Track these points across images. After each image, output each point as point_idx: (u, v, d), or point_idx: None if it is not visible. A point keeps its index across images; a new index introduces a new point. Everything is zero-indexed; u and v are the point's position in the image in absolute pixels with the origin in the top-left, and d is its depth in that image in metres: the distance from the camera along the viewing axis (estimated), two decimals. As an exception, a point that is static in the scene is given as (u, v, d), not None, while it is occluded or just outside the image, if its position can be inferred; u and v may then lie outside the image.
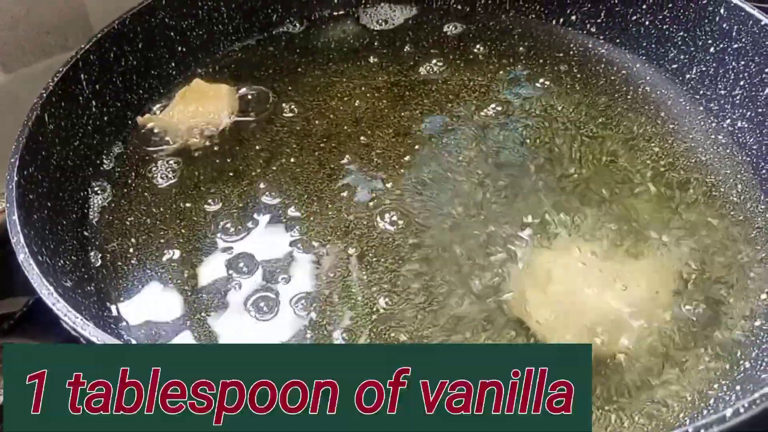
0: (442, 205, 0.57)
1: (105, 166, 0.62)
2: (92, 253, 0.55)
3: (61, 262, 0.51)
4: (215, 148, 0.63)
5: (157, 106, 0.67)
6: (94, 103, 0.61)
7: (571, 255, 0.52)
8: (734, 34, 0.61)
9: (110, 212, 0.58)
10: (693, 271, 0.52)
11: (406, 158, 0.61)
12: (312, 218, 0.57)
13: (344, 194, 0.59)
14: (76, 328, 0.39)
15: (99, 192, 0.59)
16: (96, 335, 0.39)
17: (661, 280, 0.51)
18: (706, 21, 0.63)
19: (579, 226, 0.55)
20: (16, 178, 0.49)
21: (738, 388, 0.45)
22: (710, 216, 0.56)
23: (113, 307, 0.52)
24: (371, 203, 0.58)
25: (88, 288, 0.52)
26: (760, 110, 0.59)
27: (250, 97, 0.68)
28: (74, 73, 0.59)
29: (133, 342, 0.49)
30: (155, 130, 0.64)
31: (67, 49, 0.65)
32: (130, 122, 0.65)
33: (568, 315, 0.49)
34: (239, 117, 0.66)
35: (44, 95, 0.55)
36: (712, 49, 0.63)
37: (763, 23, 0.58)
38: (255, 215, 0.57)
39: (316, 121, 0.65)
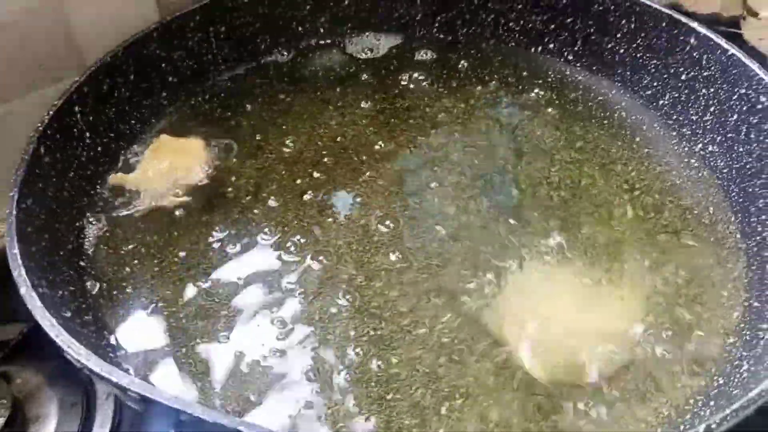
0: (429, 229, 0.59)
1: (99, 196, 0.63)
2: (89, 283, 0.56)
3: (60, 292, 0.52)
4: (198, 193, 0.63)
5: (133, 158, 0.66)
6: (88, 134, 0.62)
7: (550, 278, 0.55)
8: (704, 62, 0.64)
9: (105, 242, 0.59)
10: (668, 291, 0.55)
11: (393, 184, 0.63)
12: (302, 243, 0.58)
13: (332, 220, 0.60)
14: (80, 360, 0.40)
15: (94, 222, 0.60)
16: (99, 366, 0.40)
17: (637, 301, 0.54)
18: (678, 50, 0.66)
19: (557, 249, 0.57)
20: (15, 212, 0.50)
21: (712, 403, 0.47)
22: (684, 237, 0.59)
23: (111, 337, 0.53)
24: (360, 229, 0.60)
25: (86, 317, 0.53)
26: (729, 135, 0.62)
27: (217, 149, 0.67)
28: (69, 105, 0.60)
29: (131, 370, 0.50)
30: (129, 189, 0.63)
31: (58, 81, 0.66)
32: (122, 152, 0.66)
33: (546, 339, 0.51)
34: (213, 166, 0.65)
35: (40, 128, 0.56)
36: (683, 77, 0.66)
37: (730, 53, 0.61)
38: (246, 242, 0.59)
39: (305, 149, 0.67)
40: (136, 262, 0.58)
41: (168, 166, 0.64)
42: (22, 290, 0.45)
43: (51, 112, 0.58)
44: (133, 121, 0.68)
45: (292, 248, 0.58)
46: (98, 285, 0.56)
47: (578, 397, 0.48)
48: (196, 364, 0.51)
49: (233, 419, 0.37)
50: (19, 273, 0.46)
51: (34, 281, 0.47)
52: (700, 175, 0.64)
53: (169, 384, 0.50)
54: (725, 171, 0.62)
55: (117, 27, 0.67)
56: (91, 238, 0.59)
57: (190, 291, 0.56)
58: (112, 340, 0.52)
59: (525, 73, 0.74)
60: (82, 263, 0.57)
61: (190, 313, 0.54)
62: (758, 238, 0.57)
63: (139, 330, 0.53)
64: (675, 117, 0.67)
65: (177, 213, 0.61)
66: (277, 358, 0.51)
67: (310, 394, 0.49)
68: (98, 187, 0.63)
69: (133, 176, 0.63)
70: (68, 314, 0.50)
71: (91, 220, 0.61)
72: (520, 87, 0.73)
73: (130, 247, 0.59)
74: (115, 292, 0.56)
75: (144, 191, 0.63)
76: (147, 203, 0.62)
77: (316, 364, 0.51)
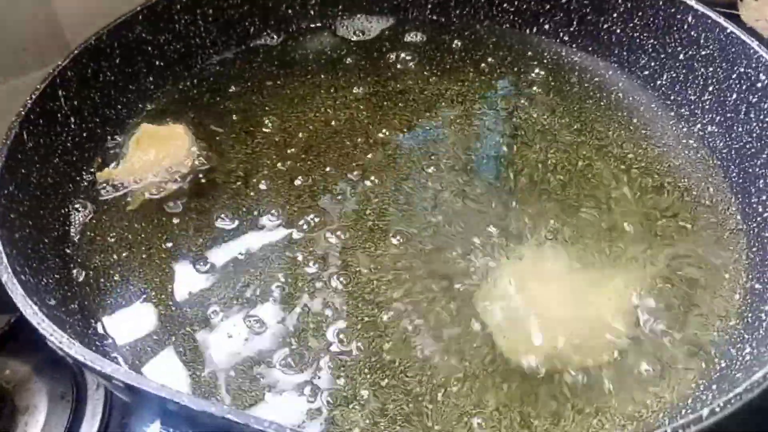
0: (423, 214, 0.58)
1: (85, 182, 0.61)
2: (75, 271, 0.55)
3: (44, 280, 0.50)
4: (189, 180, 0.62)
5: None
6: (72, 119, 0.61)
7: (547, 261, 0.54)
8: (702, 41, 0.63)
9: (92, 229, 0.58)
10: (668, 274, 0.54)
11: (386, 168, 0.62)
12: (294, 229, 0.57)
13: (323, 205, 0.59)
14: (62, 348, 0.39)
15: (80, 209, 0.59)
16: (83, 354, 0.39)
17: (637, 284, 0.53)
18: (675, 29, 0.65)
19: (556, 233, 0.56)
20: (-3, 197, 0.49)
21: (714, 387, 0.46)
22: (683, 220, 0.58)
23: (98, 325, 0.51)
24: (352, 213, 0.58)
25: (72, 306, 0.52)
26: (728, 115, 0.61)
27: (204, 134, 0.65)
28: (52, 89, 0.58)
29: (120, 359, 0.49)
30: (120, 183, 0.61)
31: (44, 65, 0.65)
32: (109, 138, 0.65)
33: (542, 326, 0.50)
34: (202, 153, 0.64)
35: (22, 113, 0.55)
36: (681, 56, 0.65)
37: (728, 30, 0.60)
38: (237, 228, 0.58)
39: (296, 133, 0.66)
40: (123, 249, 0.57)
41: (154, 156, 0.62)
42: (4, 278, 0.44)
43: (33, 96, 0.56)
44: (119, 106, 0.66)
45: (284, 234, 0.57)
46: (84, 273, 0.55)
47: (576, 382, 0.47)
48: (186, 353, 0.50)
49: (221, 408, 0.36)
50: (1, 260, 0.45)
51: (16, 268, 0.46)
52: (699, 155, 0.63)
53: (158, 372, 0.49)
54: (725, 151, 0.61)
55: (102, 9, 0.65)
56: (77, 225, 0.58)
57: (179, 278, 0.54)
58: (99, 329, 0.51)
59: (520, 55, 0.73)
60: (68, 250, 0.56)
61: (179, 301, 0.53)
62: (759, 219, 0.56)
63: (127, 318, 0.52)
64: (673, 97, 0.66)
65: (166, 200, 0.60)
66: (268, 346, 0.50)
67: (302, 382, 0.48)
68: (84, 172, 0.62)
69: (120, 169, 0.62)
70: (53, 302, 0.48)
71: (77, 206, 0.59)
72: (515, 69, 0.72)
73: (118, 234, 0.58)
74: (102, 280, 0.54)
75: (132, 183, 0.61)
76: (137, 195, 0.60)
77: (308, 352, 0.50)
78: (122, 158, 0.63)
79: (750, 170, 0.58)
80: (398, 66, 0.72)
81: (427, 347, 0.50)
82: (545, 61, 0.73)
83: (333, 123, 0.67)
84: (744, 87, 0.59)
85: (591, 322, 0.50)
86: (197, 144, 0.64)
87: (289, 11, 0.76)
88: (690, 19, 0.64)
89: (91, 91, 0.63)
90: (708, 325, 0.51)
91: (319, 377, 0.48)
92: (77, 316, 0.51)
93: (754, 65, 0.58)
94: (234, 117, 0.67)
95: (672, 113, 0.66)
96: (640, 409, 0.46)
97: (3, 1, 0.64)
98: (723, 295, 0.53)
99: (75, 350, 0.39)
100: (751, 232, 0.56)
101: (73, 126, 0.61)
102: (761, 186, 0.56)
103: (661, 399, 0.47)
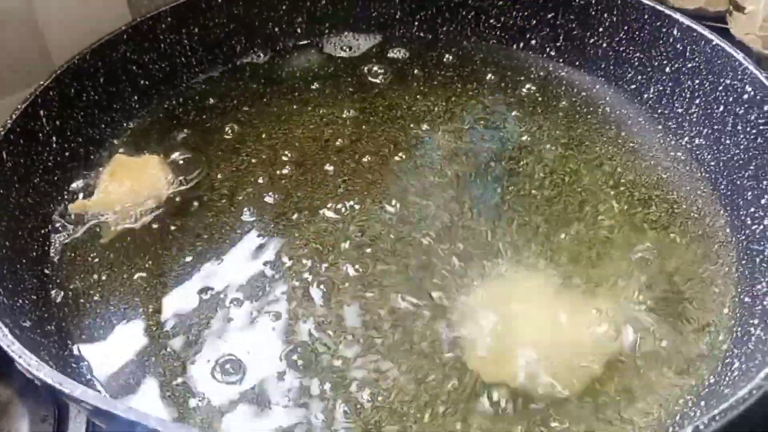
0: (410, 231, 0.57)
1: (66, 202, 0.61)
2: (53, 292, 0.54)
3: (20, 301, 0.50)
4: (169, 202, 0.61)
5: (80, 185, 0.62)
6: (54, 139, 0.61)
7: (537, 279, 0.53)
8: (688, 53, 0.63)
9: (72, 249, 0.57)
10: (656, 287, 0.53)
11: (373, 184, 0.61)
12: (280, 247, 0.57)
13: (311, 222, 0.58)
14: (30, 370, 0.38)
15: (60, 229, 0.58)
16: (50, 376, 0.38)
17: (624, 298, 0.52)
18: (661, 42, 0.65)
19: (544, 248, 0.55)
20: (-28, 218, 0.49)
21: (702, 403, 0.45)
22: (672, 233, 0.57)
23: (75, 347, 0.51)
24: (338, 230, 0.58)
25: (48, 327, 0.51)
26: (715, 127, 0.60)
27: (181, 162, 0.64)
28: (33, 109, 0.58)
29: (95, 382, 0.48)
30: (94, 215, 0.59)
31: (29, 85, 0.65)
32: (92, 157, 0.64)
33: (521, 348, 0.49)
34: (177, 186, 0.62)
35: (2, 133, 0.55)
36: (667, 69, 0.65)
37: (714, 43, 0.60)
38: (221, 247, 0.57)
39: (283, 150, 0.65)
40: (104, 269, 0.56)
41: (129, 188, 0.61)
42: (-25, 299, 0.43)
43: (14, 116, 0.56)
44: (102, 125, 0.66)
45: (268, 253, 0.56)
46: (63, 293, 0.54)
47: (562, 400, 0.46)
48: (165, 374, 0.49)
49: (191, 430, 0.35)
50: (-28, 281, 0.44)
51: (-10, 289, 0.45)
52: (687, 168, 0.62)
53: (136, 395, 0.48)
54: (713, 164, 0.60)
55: (87, 28, 0.65)
56: (56, 245, 0.57)
57: (160, 299, 0.54)
58: (76, 351, 0.50)
59: (507, 71, 0.73)
60: (46, 271, 0.55)
61: (159, 322, 0.52)
62: (747, 231, 0.55)
63: (106, 340, 0.51)
64: (660, 110, 0.66)
65: (148, 222, 0.59)
66: (251, 368, 0.49)
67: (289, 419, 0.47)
68: (66, 193, 0.61)
69: (94, 201, 0.60)
70: (27, 324, 0.48)
71: (57, 226, 0.59)
72: (503, 84, 0.71)
73: (99, 253, 0.57)
74: (81, 301, 0.54)
75: (107, 215, 0.59)
76: (113, 227, 0.59)
77: (292, 377, 0.48)
78: (96, 188, 0.61)
79: (738, 182, 0.57)
80: (385, 83, 0.72)
81: (412, 367, 0.49)
82: (532, 76, 0.72)
83: (320, 140, 0.66)
84: (731, 99, 0.59)
85: (575, 339, 0.49)
86: (172, 171, 0.63)
87: (276, 29, 0.76)
88: (675, 32, 0.63)
89: (74, 110, 0.63)
90: (697, 339, 0.50)
91: (306, 405, 0.47)
92: (53, 338, 0.50)
93: (740, 77, 0.58)
94: (220, 135, 0.67)
95: (660, 126, 0.66)
96: (625, 427, 0.45)
97: (-13, 21, 0.64)
98: (712, 309, 0.52)
99: (44, 373, 0.38)
100: (740, 245, 0.55)
101: (54, 145, 0.61)
102: (749, 198, 0.56)
103: (648, 415, 0.46)
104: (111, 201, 0.60)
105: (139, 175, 0.62)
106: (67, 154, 0.62)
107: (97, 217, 0.59)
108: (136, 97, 0.69)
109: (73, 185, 0.62)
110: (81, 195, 0.61)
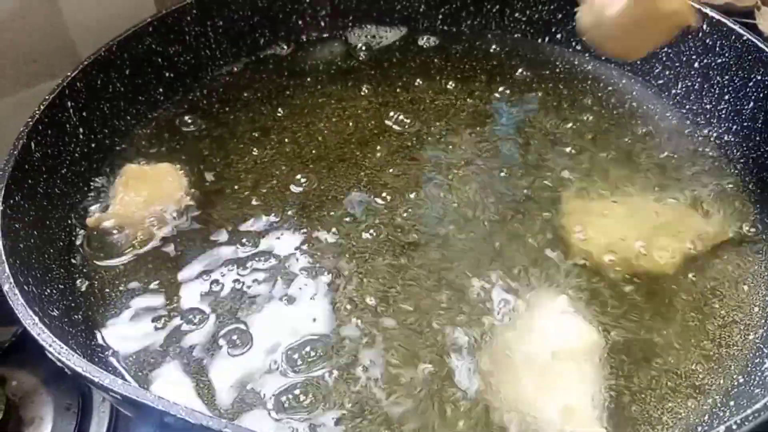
0: (433, 225, 0.57)
1: (92, 192, 0.61)
2: (79, 281, 0.54)
3: (48, 290, 0.50)
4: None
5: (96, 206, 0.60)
6: (81, 130, 0.61)
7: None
8: (717, 49, 0.62)
9: (98, 239, 0.57)
10: (686, 286, 0.52)
11: (396, 178, 0.61)
12: (303, 238, 0.57)
13: (333, 214, 0.58)
14: (60, 359, 0.39)
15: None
16: (81, 365, 0.38)
17: (657, 295, 0.51)
18: (690, 36, 0.64)
19: (563, 247, 0.55)
20: (1, 208, 0.49)
21: (732, 403, 0.45)
22: (700, 231, 0.56)
23: (101, 336, 0.51)
24: (362, 223, 0.58)
25: (76, 316, 0.51)
26: (745, 123, 0.60)
27: (206, 153, 0.64)
28: (61, 100, 0.59)
29: (123, 371, 0.48)
30: (112, 229, 0.58)
31: (53, 77, 0.65)
32: (117, 148, 0.65)
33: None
34: (191, 194, 0.61)
35: (30, 123, 0.55)
36: (696, 64, 0.64)
37: (744, 38, 0.59)
38: (243, 238, 0.57)
39: (306, 143, 0.65)
40: (129, 259, 0.56)
41: (145, 198, 0.59)
42: (5, 287, 0.43)
43: (42, 107, 0.57)
44: (128, 117, 0.66)
45: (292, 245, 0.56)
46: (88, 283, 0.54)
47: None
48: (191, 363, 0.49)
49: (219, 421, 0.35)
50: (3, 269, 0.44)
51: (19, 278, 0.45)
52: (715, 165, 0.61)
53: (162, 384, 0.48)
54: (742, 161, 0.60)
55: (112, 21, 0.65)
56: (82, 235, 0.58)
57: (185, 290, 0.54)
58: (101, 340, 0.51)
59: (532, 65, 0.72)
60: (73, 261, 0.56)
61: (184, 312, 0.52)
62: (777, 229, 0.54)
63: (132, 329, 0.52)
64: (688, 106, 0.65)
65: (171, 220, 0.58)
66: (261, 360, 0.49)
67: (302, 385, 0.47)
68: (91, 183, 0.61)
69: (110, 213, 0.58)
70: (56, 313, 0.48)
71: (83, 216, 0.59)
72: (528, 79, 0.71)
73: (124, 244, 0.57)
74: (107, 290, 0.54)
75: (127, 228, 0.58)
76: (133, 240, 0.57)
77: (312, 373, 0.49)
78: (111, 201, 0.60)
79: (767, 179, 0.57)
80: (409, 76, 0.72)
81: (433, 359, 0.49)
82: (558, 70, 0.72)
83: (343, 133, 0.66)
84: (761, 95, 0.58)
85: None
86: (187, 178, 0.62)
87: (300, 22, 0.76)
88: (705, 26, 0.62)
89: (100, 102, 0.63)
90: (726, 339, 0.49)
91: (320, 397, 0.47)
92: (81, 327, 0.50)
93: (772, 73, 0.57)
94: (243, 127, 0.67)
95: (688, 122, 0.65)
96: (654, 426, 0.45)
97: (13, 14, 0.65)
98: (741, 308, 0.51)
99: (73, 361, 0.38)
100: (770, 242, 0.54)
101: (81, 136, 0.61)
102: (779, 195, 0.55)
103: (677, 415, 0.45)
104: (127, 213, 0.58)
105: (153, 184, 0.60)
106: (93, 145, 0.62)
107: (114, 231, 0.58)
108: (161, 89, 0.69)
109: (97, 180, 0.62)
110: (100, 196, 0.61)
